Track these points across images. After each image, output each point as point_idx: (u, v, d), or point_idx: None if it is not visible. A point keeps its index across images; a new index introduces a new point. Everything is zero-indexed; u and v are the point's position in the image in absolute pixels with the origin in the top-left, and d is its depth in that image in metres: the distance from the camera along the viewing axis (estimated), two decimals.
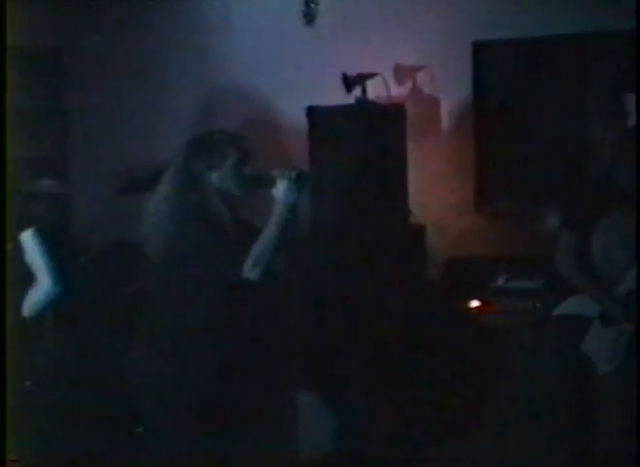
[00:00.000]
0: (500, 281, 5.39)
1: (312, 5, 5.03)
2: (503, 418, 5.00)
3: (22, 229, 4.52)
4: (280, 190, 3.79)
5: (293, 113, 5.69)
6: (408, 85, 5.85)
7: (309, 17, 5.06)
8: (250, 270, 3.73)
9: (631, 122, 5.43)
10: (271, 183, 3.82)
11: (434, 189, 5.75)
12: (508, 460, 4.80)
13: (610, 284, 4.43)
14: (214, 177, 3.85)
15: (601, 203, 4.45)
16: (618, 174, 4.52)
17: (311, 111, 5.44)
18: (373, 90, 5.63)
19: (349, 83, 5.49)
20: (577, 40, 5.65)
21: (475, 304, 5.31)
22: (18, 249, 4.44)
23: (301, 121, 5.46)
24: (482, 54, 5.80)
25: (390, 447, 4.80)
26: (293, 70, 5.89)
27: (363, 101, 5.51)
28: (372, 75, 5.57)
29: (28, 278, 4.47)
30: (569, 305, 4.54)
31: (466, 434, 4.99)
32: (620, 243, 4.41)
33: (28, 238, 4.52)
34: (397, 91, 5.79)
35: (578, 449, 4.59)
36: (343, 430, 4.92)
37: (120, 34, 6.18)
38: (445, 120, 5.86)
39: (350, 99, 5.52)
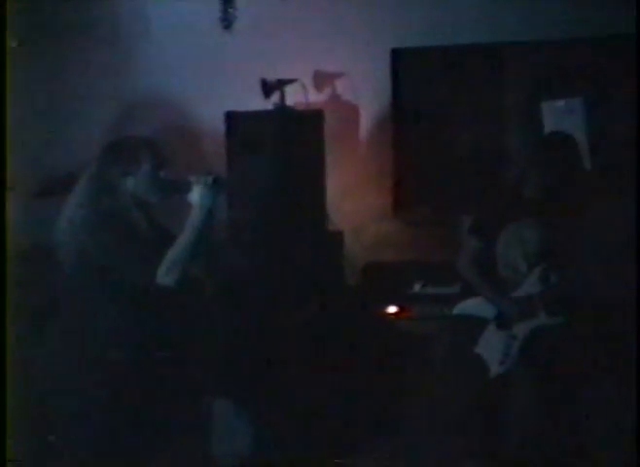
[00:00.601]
0: (417, 287, 5.43)
1: (230, 10, 5.00)
2: (419, 421, 5.04)
3: None
4: (196, 195, 3.78)
5: (211, 118, 5.67)
6: (327, 91, 5.86)
7: (227, 23, 5.03)
8: (164, 276, 3.71)
9: (546, 131, 5.52)
10: (188, 188, 3.81)
11: (352, 195, 5.76)
12: (422, 461, 4.85)
13: (508, 289, 4.52)
14: (129, 183, 3.82)
15: (508, 211, 4.54)
16: (527, 183, 4.61)
17: (229, 116, 5.43)
18: (292, 96, 5.62)
19: (268, 88, 5.47)
20: (495, 49, 5.71)
21: (392, 309, 5.34)
22: None
23: (218, 126, 5.44)
24: (401, 62, 5.84)
25: (305, 451, 4.80)
26: (211, 75, 5.86)
27: (281, 107, 5.51)
28: (290, 81, 5.56)
29: None
30: (467, 306, 4.63)
31: (381, 437, 5.01)
32: (521, 250, 4.50)
33: None
34: (315, 98, 5.79)
35: (479, 449, 4.67)
36: (259, 436, 4.90)
37: (35, 38, 6.07)
38: (364, 127, 5.89)
39: (268, 105, 5.51)
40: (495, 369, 4.52)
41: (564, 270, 4.45)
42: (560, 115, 5.55)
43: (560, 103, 5.57)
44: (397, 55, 5.82)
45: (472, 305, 4.66)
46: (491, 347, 4.54)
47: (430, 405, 5.03)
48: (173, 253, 3.72)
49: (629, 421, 4.54)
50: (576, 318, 4.46)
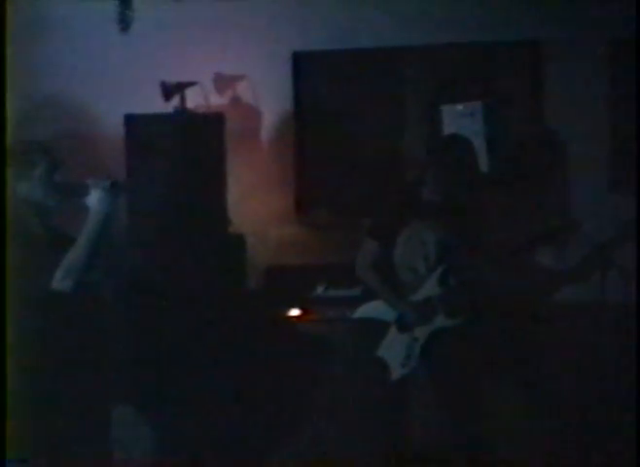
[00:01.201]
0: (319, 290, 5.44)
1: (127, 12, 4.91)
2: (323, 424, 5.07)
3: None
4: (94, 199, 3.73)
5: (110, 121, 5.61)
6: (228, 94, 5.84)
7: (124, 24, 4.94)
8: (61, 282, 3.65)
9: (445, 134, 5.57)
10: (85, 192, 3.76)
11: (253, 199, 5.74)
12: (326, 464, 4.87)
13: (408, 292, 4.56)
14: (23, 187, 3.76)
15: (406, 213, 4.58)
16: (424, 185, 4.64)
17: (129, 119, 5.37)
18: (193, 99, 5.59)
19: (168, 91, 5.43)
20: (395, 52, 5.74)
21: (295, 312, 5.33)
22: None
23: (118, 129, 5.39)
24: (303, 65, 5.84)
25: (208, 454, 4.79)
26: (110, 78, 5.77)
27: (181, 110, 5.47)
28: (190, 84, 5.53)
29: None
30: (368, 309, 4.66)
31: (285, 439, 5.02)
32: (419, 252, 4.55)
33: None
34: (216, 101, 5.76)
35: (383, 450, 4.71)
36: (160, 439, 4.89)
37: None
38: (265, 130, 5.88)
39: (169, 108, 5.47)
40: (397, 371, 4.55)
41: (463, 273, 4.50)
42: (460, 118, 5.60)
43: (460, 107, 5.62)
44: (298, 58, 5.82)
45: (373, 309, 4.69)
46: (393, 350, 4.58)
47: (333, 407, 5.05)
48: (70, 258, 3.66)
49: (526, 420, 4.64)
50: (475, 320, 4.52)
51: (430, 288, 4.54)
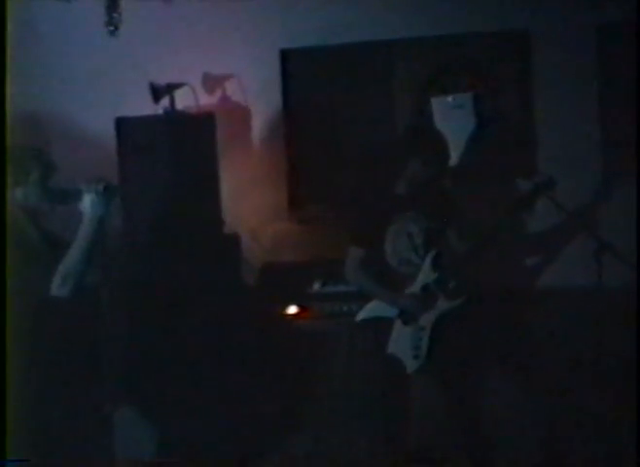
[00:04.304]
0: (316, 286, 5.43)
1: (115, 14, 4.91)
2: (323, 421, 5.08)
3: None
4: (87, 203, 3.75)
5: (101, 124, 5.60)
6: (217, 94, 5.84)
7: (112, 27, 4.94)
8: (59, 288, 3.67)
9: (437, 125, 5.57)
10: (78, 197, 3.77)
11: (246, 197, 5.73)
12: (328, 462, 4.89)
13: (405, 284, 4.59)
14: (18, 193, 3.77)
15: (385, 213, 4.63)
16: (398, 181, 4.71)
17: (119, 122, 5.37)
18: (182, 100, 5.59)
19: (157, 93, 5.43)
20: (383, 46, 5.75)
21: (292, 309, 5.33)
22: None
23: (109, 132, 5.39)
24: (290, 62, 5.84)
25: (210, 454, 4.81)
26: (99, 81, 5.78)
27: (171, 111, 5.47)
28: (179, 85, 5.53)
29: None
30: (369, 310, 4.69)
31: (286, 438, 5.03)
32: (408, 244, 4.60)
33: None
34: (206, 101, 5.76)
35: (397, 447, 4.73)
36: (161, 440, 4.91)
37: None
38: (256, 128, 5.87)
39: (159, 110, 5.47)
40: (411, 365, 4.58)
41: (452, 254, 4.58)
42: (450, 110, 5.60)
43: (449, 98, 5.62)
44: (286, 56, 5.82)
45: (373, 308, 4.71)
46: (402, 344, 4.60)
47: (333, 403, 5.07)
48: (66, 264, 3.68)
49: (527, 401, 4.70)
50: (474, 298, 4.59)
51: (426, 275, 4.59)
